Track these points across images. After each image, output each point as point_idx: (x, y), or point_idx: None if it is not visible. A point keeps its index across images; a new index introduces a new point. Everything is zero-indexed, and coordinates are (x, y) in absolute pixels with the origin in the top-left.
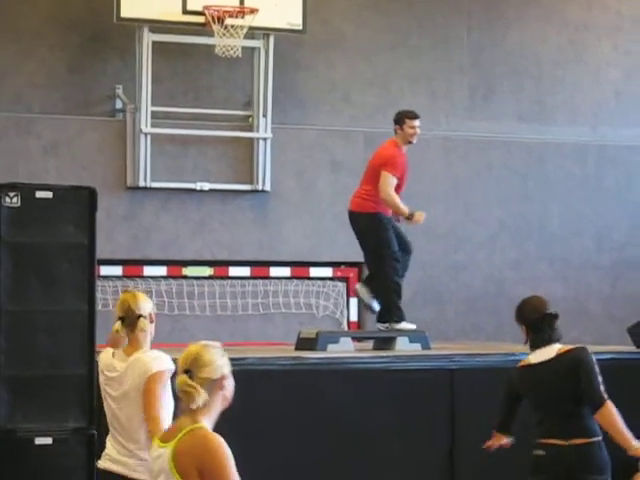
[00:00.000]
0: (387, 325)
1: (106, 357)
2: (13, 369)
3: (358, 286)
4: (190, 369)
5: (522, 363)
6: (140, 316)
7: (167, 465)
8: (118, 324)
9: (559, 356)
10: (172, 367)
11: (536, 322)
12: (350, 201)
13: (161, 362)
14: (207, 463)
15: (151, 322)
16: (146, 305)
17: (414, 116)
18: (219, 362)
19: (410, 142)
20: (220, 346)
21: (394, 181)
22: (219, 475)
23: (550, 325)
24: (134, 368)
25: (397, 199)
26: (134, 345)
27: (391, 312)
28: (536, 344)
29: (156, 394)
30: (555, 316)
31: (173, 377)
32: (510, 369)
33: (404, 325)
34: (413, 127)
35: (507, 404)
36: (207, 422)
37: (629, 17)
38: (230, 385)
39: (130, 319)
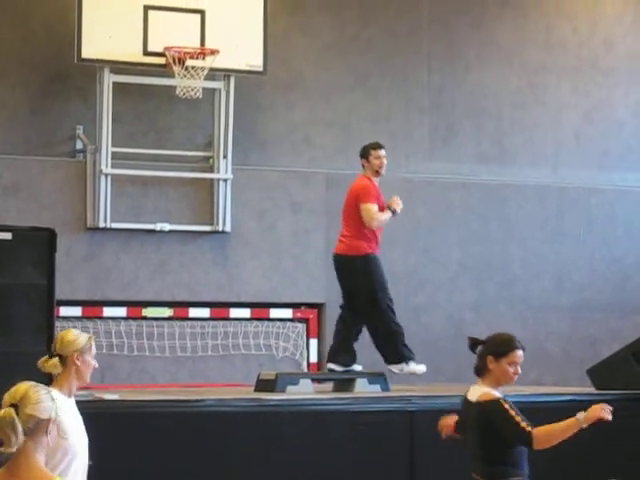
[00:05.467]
0: (399, 366)
1: None
2: None
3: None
4: (17, 404)
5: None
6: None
7: None
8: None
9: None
10: None
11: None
12: (337, 245)
13: None
14: None
15: None
16: None
17: (378, 146)
18: (49, 403)
19: (378, 173)
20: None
21: (376, 208)
22: None
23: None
24: None
25: (383, 216)
26: None
27: (400, 354)
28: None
29: None
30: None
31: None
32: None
33: (413, 366)
34: (378, 157)
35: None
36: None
37: (588, 60)
38: (54, 433)
39: None
